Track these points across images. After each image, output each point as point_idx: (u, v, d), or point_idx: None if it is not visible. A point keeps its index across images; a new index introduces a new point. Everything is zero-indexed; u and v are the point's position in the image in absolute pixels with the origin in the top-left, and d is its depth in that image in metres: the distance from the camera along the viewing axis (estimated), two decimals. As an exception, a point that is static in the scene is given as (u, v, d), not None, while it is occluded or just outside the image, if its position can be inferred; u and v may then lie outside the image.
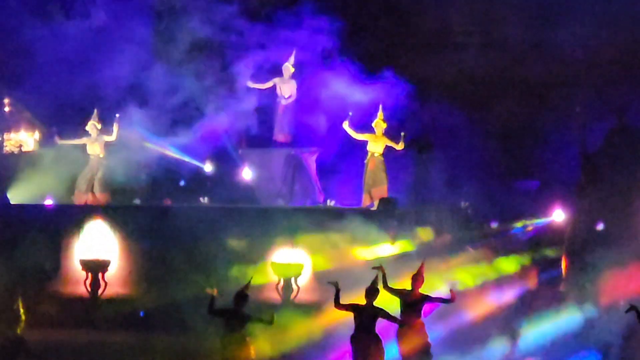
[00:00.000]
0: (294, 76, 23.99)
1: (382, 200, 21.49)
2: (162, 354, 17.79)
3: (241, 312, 15.15)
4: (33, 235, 20.42)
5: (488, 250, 21.49)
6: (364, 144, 22.20)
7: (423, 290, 15.87)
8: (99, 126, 22.64)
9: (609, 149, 23.98)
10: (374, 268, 15.82)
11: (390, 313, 15.30)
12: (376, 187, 21.94)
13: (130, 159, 23.06)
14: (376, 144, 22.03)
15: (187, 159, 24.35)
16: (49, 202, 22.86)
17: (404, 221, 20.67)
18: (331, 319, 17.24)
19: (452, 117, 24.67)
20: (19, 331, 17.55)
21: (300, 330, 18.03)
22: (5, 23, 24.06)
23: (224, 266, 19.66)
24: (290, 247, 19.80)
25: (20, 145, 26.63)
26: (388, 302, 15.61)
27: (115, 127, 22.63)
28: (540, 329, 19.23)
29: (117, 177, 22.98)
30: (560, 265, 22.34)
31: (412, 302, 15.70)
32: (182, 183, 24.98)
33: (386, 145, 22.01)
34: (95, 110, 22.75)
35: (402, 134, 22.02)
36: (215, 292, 15.27)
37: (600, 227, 22.52)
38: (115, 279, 20.43)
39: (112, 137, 22.68)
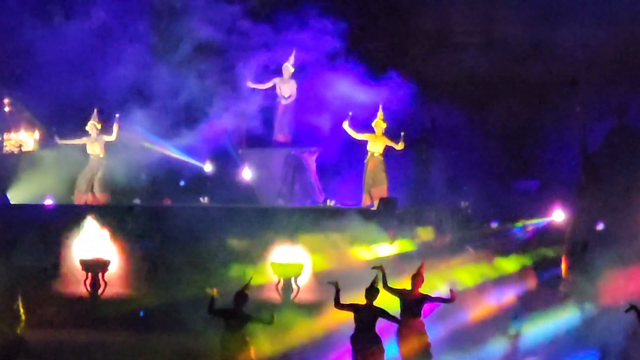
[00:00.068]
0: (293, 76, 23.99)
1: (382, 200, 21.48)
2: (162, 354, 17.75)
3: (241, 312, 15.15)
4: (33, 235, 20.38)
5: (488, 250, 21.48)
6: (364, 144, 22.20)
7: (423, 290, 15.87)
8: (99, 126, 22.64)
9: (609, 149, 23.99)
10: (374, 268, 15.81)
11: (390, 313, 15.29)
12: (376, 187, 21.94)
13: (130, 159, 23.08)
14: (376, 144, 22.03)
15: (187, 159, 24.35)
16: (49, 202, 22.85)
17: (404, 221, 20.66)
18: (331, 319, 17.19)
19: (452, 117, 24.68)
20: (19, 331, 17.50)
21: (300, 330, 17.99)
22: (5, 23, 24.08)
23: (224, 266, 19.61)
24: (291, 244, 19.78)
25: (20, 145, 26.62)
26: (388, 302, 15.60)
27: (115, 127, 22.62)
28: (540, 329, 19.22)
29: (117, 177, 22.99)
30: (560, 265, 22.32)
31: (412, 302, 15.69)
32: (182, 183, 24.98)
33: (386, 145, 22.01)
34: (95, 110, 22.75)
35: (402, 133, 22.02)
36: (215, 292, 15.26)
37: (600, 227, 22.50)
38: (115, 279, 20.37)
39: (112, 137, 22.67)
